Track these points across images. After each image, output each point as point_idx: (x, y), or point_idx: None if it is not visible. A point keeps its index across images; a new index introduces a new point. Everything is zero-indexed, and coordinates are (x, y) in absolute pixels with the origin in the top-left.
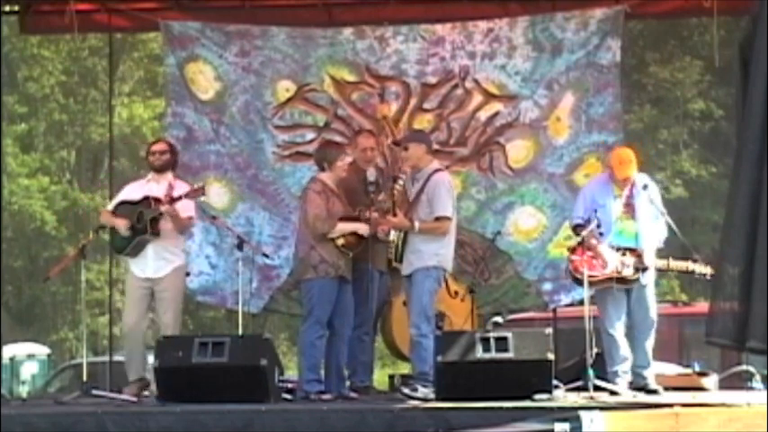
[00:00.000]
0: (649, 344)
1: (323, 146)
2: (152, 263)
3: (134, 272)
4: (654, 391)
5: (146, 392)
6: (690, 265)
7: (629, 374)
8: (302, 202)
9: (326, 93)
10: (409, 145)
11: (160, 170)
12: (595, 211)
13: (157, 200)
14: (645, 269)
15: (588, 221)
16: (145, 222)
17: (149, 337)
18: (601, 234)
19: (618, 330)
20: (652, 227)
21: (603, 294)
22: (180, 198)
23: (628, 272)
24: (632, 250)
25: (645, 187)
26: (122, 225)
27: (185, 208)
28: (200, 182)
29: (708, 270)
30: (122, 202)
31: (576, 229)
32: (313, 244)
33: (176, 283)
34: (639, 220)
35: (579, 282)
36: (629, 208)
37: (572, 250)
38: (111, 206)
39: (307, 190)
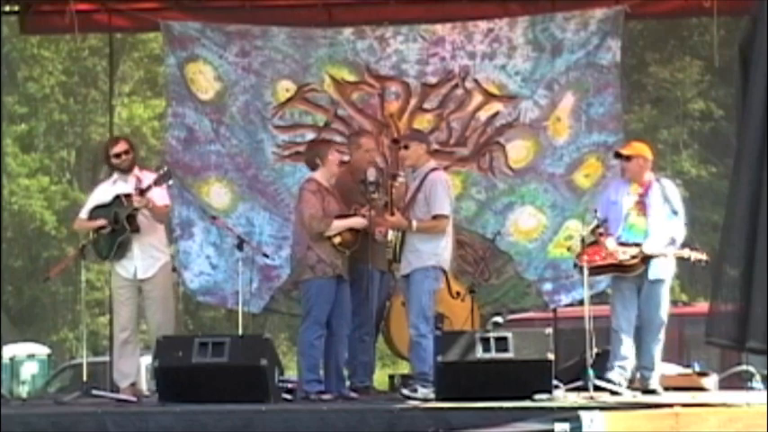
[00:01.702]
0: (657, 346)
1: (311, 146)
2: (140, 262)
3: (120, 273)
4: (652, 391)
5: (146, 393)
6: (686, 252)
7: (628, 372)
8: (297, 202)
9: (326, 93)
10: (410, 144)
11: (127, 171)
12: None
13: (128, 196)
14: (647, 257)
15: (605, 221)
16: (121, 221)
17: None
18: (601, 235)
19: (623, 328)
20: (664, 224)
21: (614, 290)
22: (150, 188)
23: (624, 257)
24: (639, 245)
25: (658, 180)
26: (102, 224)
27: (159, 196)
28: (201, 183)
29: (704, 257)
30: (95, 207)
31: (593, 229)
32: (310, 244)
33: (164, 281)
34: (650, 217)
35: (582, 271)
36: (642, 205)
37: (580, 253)
38: (83, 213)
39: (301, 190)
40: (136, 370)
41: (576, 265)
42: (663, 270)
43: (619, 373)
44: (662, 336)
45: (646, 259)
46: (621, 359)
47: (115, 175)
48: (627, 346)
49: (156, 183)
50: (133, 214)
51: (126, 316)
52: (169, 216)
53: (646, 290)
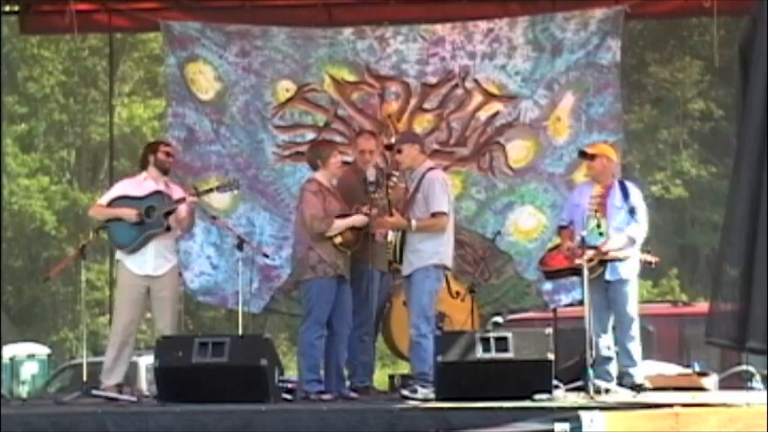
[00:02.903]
0: (632, 343)
1: (314, 145)
2: (152, 260)
3: (131, 269)
4: (639, 386)
5: (146, 393)
6: (639, 254)
7: (612, 373)
8: (298, 202)
9: (326, 93)
10: (403, 147)
11: (167, 172)
12: (570, 223)
13: (168, 195)
14: (603, 260)
15: (571, 223)
16: (157, 217)
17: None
18: (570, 239)
19: (596, 331)
20: (622, 225)
21: (587, 295)
22: (210, 191)
23: (579, 260)
24: (597, 247)
25: (621, 184)
26: (132, 214)
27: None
28: (201, 182)
29: (653, 259)
30: (121, 197)
31: (560, 230)
32: (311, 244)
33: (174, 282)
34: (609, 218)
35: (545, 274)
36: (602, 206)
37: (550, 250)
38: (104, 200)
39: (303, 191)
40: (124, 369)
41: (539, 270)
42: (623, 270)
43: (605, 380)
44: (634, 333)
45: (603, 261)
46: (599, 363)
47: (145, 174)
48: (604, 347)
49: (220, 188)
50: (169, 213)
51: (130, 318)
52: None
53: (613, 290)
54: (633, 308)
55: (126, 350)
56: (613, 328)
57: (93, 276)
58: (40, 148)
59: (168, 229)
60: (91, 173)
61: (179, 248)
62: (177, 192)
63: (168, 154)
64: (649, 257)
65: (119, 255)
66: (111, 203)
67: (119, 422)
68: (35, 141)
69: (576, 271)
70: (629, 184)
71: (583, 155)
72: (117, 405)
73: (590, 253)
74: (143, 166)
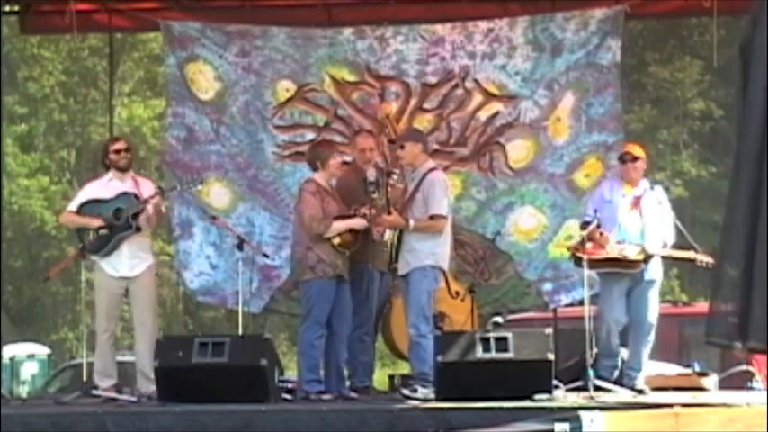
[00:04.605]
0: (645, 348)
1: (314, 146)
2: (127, 261)
3: (107, 271)
4: (640, 391)
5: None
6: (692, 254)
7: (617, 372)
8: (297, 203)
9: (326, 93)
10: (405, 143)
11: (125, 169)
12: (595, 211)
13: (136, 195)
14: (649, 256)
15: (598, 219)
16: (126, 218)
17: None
18: (601, 234)
19: (603, 330)
20: (658, 224)
21: (602, 291)
22: (175, 188)
23: (629, 252)
24: (639, 245)
25: (652, 187)
26: (96, 223)
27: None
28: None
29: (709, 259)
30: (90, 202)
31: (583, 226)
32: (309, 245)
33: (151, 281)
34: (645, 217)
35: (580, 262)
36: (637, 206)
37: (575, 248)
38: (73, 206)
39: (301, 191)
40: (115, 369)
41: (572, 256)
42: (656, 272)
43: (609, 373)
44: (651, 338)
45: (647, 259)
46: (610, 358)
47: (110, 174)
48: (614, 346)
49: (184, 186)
50: (138, 213)
51: (111, 319)
52: (168, 217)
53: (638, 291)
54: (654, 312)
55: (113, 351)
56: (626, 329)
57: (93, 276)
58: (40, 148)
59: (138, 230)
60: (91, 173)
61: (179, 248)
62: (147, 186)
63: (119, 151)
64: (704, 257)
65: (94, 257)
66: (80, 209)
67: (119, 422)
68: (35, 141)
69: (622, 263)
70: (657, 187)
71: (625, 157)
72: (117, 405)
73: (636, 249)
74: (105, 167)
